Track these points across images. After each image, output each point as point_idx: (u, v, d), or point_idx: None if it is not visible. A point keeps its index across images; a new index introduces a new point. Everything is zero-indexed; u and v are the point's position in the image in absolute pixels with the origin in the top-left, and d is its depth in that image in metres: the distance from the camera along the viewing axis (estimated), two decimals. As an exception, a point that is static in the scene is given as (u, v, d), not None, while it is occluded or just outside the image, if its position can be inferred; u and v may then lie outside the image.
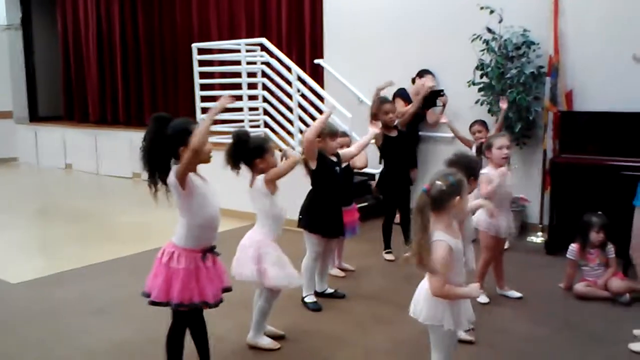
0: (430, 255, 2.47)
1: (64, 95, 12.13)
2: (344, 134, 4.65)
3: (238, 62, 7.17)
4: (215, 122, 7.96)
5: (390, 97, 6.04)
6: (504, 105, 5.25)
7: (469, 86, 5.83)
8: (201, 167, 2.88)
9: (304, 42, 8.29)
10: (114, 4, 10.68)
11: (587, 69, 5.45)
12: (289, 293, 3.71)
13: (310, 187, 4.11)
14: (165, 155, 2.79)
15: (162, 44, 10.33)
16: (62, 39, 11.85)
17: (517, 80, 5.48)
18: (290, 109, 6.69)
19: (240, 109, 7.24)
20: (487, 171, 3.89)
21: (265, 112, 7.15)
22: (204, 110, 7.55)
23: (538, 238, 5.56)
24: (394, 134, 5.08)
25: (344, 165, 4.27)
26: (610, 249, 4.22)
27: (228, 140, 3.41)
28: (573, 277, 4.31)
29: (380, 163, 5.37)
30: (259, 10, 8.81)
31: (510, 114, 5.54)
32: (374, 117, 4.91)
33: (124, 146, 9.38)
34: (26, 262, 5.37)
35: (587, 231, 4.22)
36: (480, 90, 5.76)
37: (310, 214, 4.06)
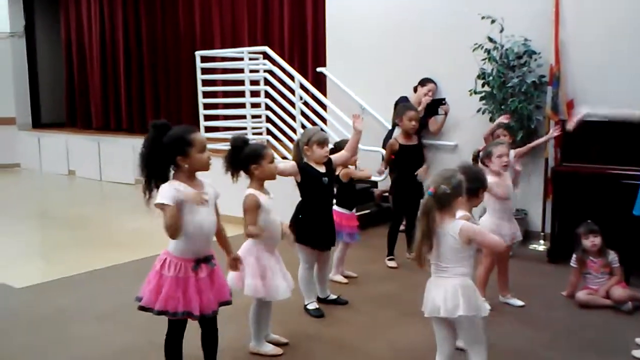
0: (477, 238, 2.70)
1: (67, 102, 12.18)
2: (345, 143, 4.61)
3: (241, 70, 7.22)
4: (218, 129, 8.08)
5: (392, 105, 6.10)
6: (506, 119, 5.16)
7: (471, 95, 5.86)
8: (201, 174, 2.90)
9: (306, 50, 8.33)
10: (117, 11, 10.74)
11: (588, 78, 5.47)
12: (291, 301, 3.73)
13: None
14: (162, 163, 2.79)
15: (165, 52, 10.38)
16: (65, 46, 11.91)
17: (519, 89, 5.51)
18: (292, 117, 6.73)
19: (243, 117, 7.28)
20: (490, 179, 3.89)
21: (268, 120, 7.19)
22: (207, 118, 7.60)
23: (540, 246, 5.57)
24: (413, 142, 5.10)
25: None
26: (614, 257, 4.23)
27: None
28: (576, 285, 4.32)
29: (385, 169, 5.39)
30: (262, 18, 8.86)
31: (512, 123, 5.55)
32: (395, 124, 4.97)
33: (126, 153, 9.41)
34: (30, 267, 5.39)
35: (579, 240, 4.28)
36: (481, 99, 5.79)
37: (299, 225, 3.97)
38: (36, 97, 12.19)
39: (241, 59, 7.22)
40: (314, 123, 6.52)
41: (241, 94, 7.24)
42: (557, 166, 5.27)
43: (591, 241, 4.21)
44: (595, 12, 5.42)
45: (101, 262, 5.34)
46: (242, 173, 3.34)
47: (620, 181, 4.65)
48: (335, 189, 4.38)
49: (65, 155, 10.80)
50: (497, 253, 4.02)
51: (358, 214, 5.50)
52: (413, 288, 4.59)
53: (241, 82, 7.23)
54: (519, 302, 4.17)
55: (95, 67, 11.27)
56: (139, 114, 10.80)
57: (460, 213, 3.04)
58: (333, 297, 4.32)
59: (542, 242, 5.61)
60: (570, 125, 4.17)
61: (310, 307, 4.10)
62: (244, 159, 3.28)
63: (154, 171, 2.79)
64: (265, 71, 7.13)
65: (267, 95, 7.11)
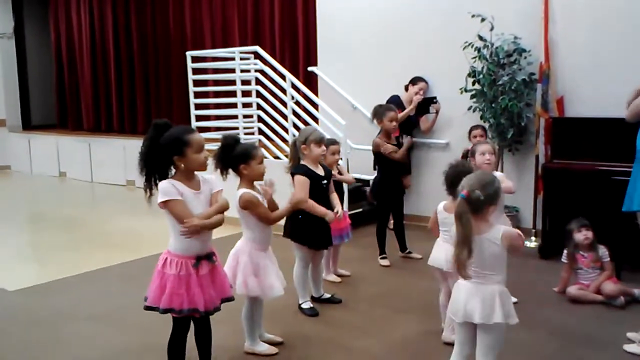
0: (517, 242, 2.65)
1: (57, 104, 12.14)
2: (334, 142, 4.64)
3: (232, 70, 7.21)
4: (210, 129, 8.06)
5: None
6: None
7: (461, 93, 5.88)
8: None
9: (297, 49, 8.34)
10: (107, 11, 10.71)
11: (578, 76, 5.51)
12: (285, 300, 3.74)
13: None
14: (162, 163, 2.82)
15: (155, 52, 10.37)
16: (55, 47, 11.87)
17: (509, 87, 5.54)
18: (284, 116, 6.74)
19: (234, 117, 7.28)
20: None
21: (260, 120, 7.19)
22: (198, 118, 7.60)
23: (532, 242, 5.61)
24: (392, 142, 5.12)
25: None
26: (605, 252, 4.27)
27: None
28: (567, 280, 4.36)
29: (374, 169, 5.42)
30: (252, 18, 8.87)
31: (502, 120, 5.60)
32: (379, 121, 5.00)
33: (117, 154, 9.39)
34: (22, 269, 5.37)
35: (570, 235, 4.31)
36: (472, 97, 5.81)
37: (296, 225, 4.01)
38: (26, 98, 12.14)
39: (232, 59, 7.21)
40: (305, 122, 6.53)
41: (232, 93, 7.24)
42: (548, 163, 5.31)
43: (584, 234, 4.25)
44: (584, 9, 5.45)
45: (94, 263, 5.33)
46: (231, 172, 3.35)
47: (610, 177, 4.69)
48: None
49: (56, 156, 10.76)
50: None
51: (350, 212, 5.53)
52: (406, 286, 4.64)
53: (232, 82, 7.23)
54: (512, 299, 4.18)
55: (85, 67, 11.24)
56: (130, 114, 10.78)
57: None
58: (327, 296, 4.33)
59: (533, 238, 5.64)
60: None
61: (304, 306, 4.11)
62: (234, 158, 3.29)
63: (153, 170, 2.82)
64: (256, 71, 7.13)
65: (259, 95, 7.11)
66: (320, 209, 3.91)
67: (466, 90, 5.85)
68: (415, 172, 6.38)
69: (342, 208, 4.34)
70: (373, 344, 3.64)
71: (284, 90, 6.68)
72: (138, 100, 10.64)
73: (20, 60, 11.94)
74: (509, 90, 5.54)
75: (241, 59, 7.19)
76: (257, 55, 7.07)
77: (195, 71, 7.59)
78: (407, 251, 5.36)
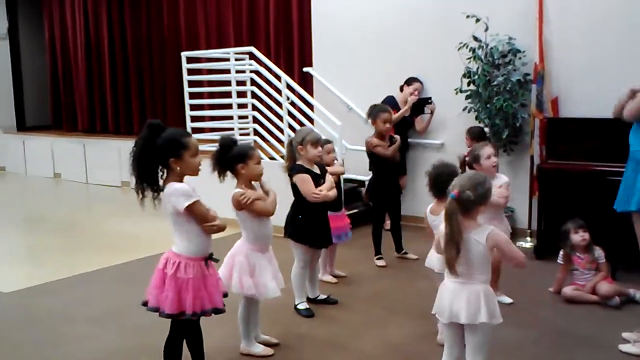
0: (503, 247, 2.67)
1: (51, 105, 12.09)
2: (328, 141, 4.61)
3: (227, 71, 7.21)
4: (205, 130, 8.04)
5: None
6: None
7: (457, 94, 5.89)
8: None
9: (292, 50, 8.34)
10: (102, 12, 10.68)
11: (572, 77, 5.53)
12: (281, 301, 3.74)
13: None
14: (154, 164, 2.81)
15: (150, 53, 10.34)
16: (49, 48, 11.83)
17: (504, 88, 5.55)
18: (279, 117, 6.74)
19: (229, 117, 7.27)
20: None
21: (255, 120, 7.18)
22: (193, 119, 7.58)
23: (527, 243, 5.62)
24: (386, 142, 5.13)
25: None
26: (601, 254, 4.28)
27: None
28: (563, 281, 4.37)
29: (370, 170, 5.41)
30: (247, 19, 8.86)
31: (497, 121, 5.61)
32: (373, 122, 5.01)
33: (112, 155, 9.35)
34: (17, 271, 5.34)
35: (567, 235, 4.31)
36: (467, 97, 5.82)
37: (295, 224, 4.02)
38: (20, 99, 12.09)
39: (227, 60, 7.21)
40: (301, 123, 6.53)
41: (228, 94, 7.23)
42: (543, 163, 5.32)
43: (581, 235, 4.26)
44: (579, 10, 5.47)
45: (89, 265, 5.31)
46: (228, 174, 3.34)
47: (605, 178, 4.70)
48: None
49: (51, 158, 10.71)
50: None
51: (346, 213, 5.52)
52: (402, 286, 4.65)
53: (227, 83, 7.23)
54: (508, 300, 4.20)
55: (80, 68, 11.20)
56: (125, 115, 10.76)
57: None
58: (323, 296, 4.33)
59: (528, 239, 5.65)
60: None
61: (300, 307, 4.11)
62: (231, 158, 3.28)
63: (145, 171, 2.80)
64: (251, 72, 7.13)
65: (254, 95, 7.11)
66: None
67: (461, 91, 5.86)
68: (410, 173, 6.38)
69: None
70: (369, 344, 3.64)
71: (279, 91, 6.68)
72: (133, 101, 10.62)
73: (15, 61, 11.88)
74: (503, 91, 5.56)
75: (236, 59, 7.19)
76: (252, 56, 7.06)
77: (190, 72, 7.58)
78: (403, 252, 5.36)
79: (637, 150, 3.70)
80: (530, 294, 4.39)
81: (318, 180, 4.01)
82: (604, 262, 4.28)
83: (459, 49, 5.76)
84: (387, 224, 5.64)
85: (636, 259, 4.07)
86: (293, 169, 3.98)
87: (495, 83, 5.59)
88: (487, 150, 3.92)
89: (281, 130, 6.72)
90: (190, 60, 7.60)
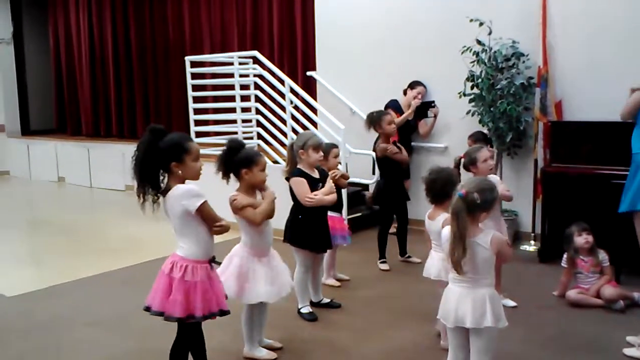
0: (504, 249, 2.72)
1: (56, 109, 12.14)
2: (335, 145, 4.62)
3: (231, 75, 7.21)
4: (209, 134, 8.04)
5: (382, 108, 6.11)
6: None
7: (460, 97, 5.89)
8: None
9: (296, 54, 8.35)
10: (106, 17, 10.72)
11: (576, 80, 5.52)
12: (284, 305, 3.73)
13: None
14: (156, 168, 2.81)
15: (154, 57, 10.37)
16: (54, 53, 11.88)
17: (507, 91, 5.55)
18: (283, 121, 6.74)
19: (233, 121, 7.28)
20: None
21: (259, 124, 7.19)
22: (197, 123, 7.59)
23: (531, 247, 5.61)
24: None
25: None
26: (605, 257, 4.27)
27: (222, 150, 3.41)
28: (567, 284, 4.35)
29: (373, 174, 5.41)
30: (251, 23, 8.88)
31: (501, 124, 5.60)
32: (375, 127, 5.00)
33: (116, 159, 9.38)
34: (20, 275, 5.35)
35: (571, 238, 4.30)
36: (471, 101, 5.82)
37: (295, 229, 4.01)
38: (25, 103, 12.14)
39: (231, 64, 7.22)
40: (304, 127, 6.53)
41: (231, 98, 7.24)
42: (547, 167, 5.31)
43: (584, 238, 4.24)
44: (582, 14, 5.47)
45: (92, 269, 5.32)
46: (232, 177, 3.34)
47: (609, 181, 4.69)
48: None
49: (55, 162, 10.75)
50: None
51: (350, 217, 5.53)
52: (406, 290, 4.64)
53: (231, 87, 7.23)
54: (512, 303, 4.19)
55: (84, 73, 11.24)
56: (129, 120, 10.78)
57: (443, 216, 3.19)
58: (326, 300, 4.33)
59: (532, 242, 5.64)
60: None
61: (304, 311, 4.11)
62: (237, 162, 3.27)
63: (147, 175, 2.80)
64: (255, 75, 7.14)
65: (258, 99, 7.11)
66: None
67: (465, 95, 5.86)
68: (414, 177, 6.37)
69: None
70: (372, 348, 3.63)
71: (282, 95, 6.68)
72: (137, 105, 10.64)
73: (19, 66, 11.94)
74: (507, 94, 5.55)
75: (240, 63, 7.20)
76: (256, 60, 7.07)
77: (194, 76, 7.59)
78: (407, 255, 5.35)
79: (638, 153, 3.70)
80: (534, 298, 4.37)
81: (316, 184, 3.99)
82: (608, 266, 4.27)
83: (462, 53, 5.77)
84: (393, 227, 5.63)
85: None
86: (292, 173, 3.98)
87: (498, 87, 5.58)
88: (483, 153, 3.90)
89: (284, 134, 6.73)
90: (194, 64, 7.61)
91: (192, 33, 9.69)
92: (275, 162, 6.64)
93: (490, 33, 5.68)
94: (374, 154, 5.32)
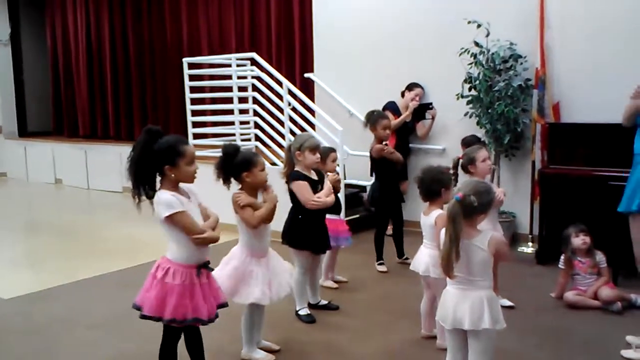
0: (503, 248, 2.72)
1: (53, 110, 12.13)
2: (332, 150, 4.57)
3: (229, 77, 7.22)
4: (207, 136, 8.04)
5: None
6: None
7: (458, 99, 5.89)
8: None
9: (294, 56, 8.35)
10: (104, 18, 10.72)
11: (574, 82, 5.53)
12: (283, 307, 3.73)
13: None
14: (151, 170, 2.81)
15: (152, 59, 10.36)
16: (51, 54, 11.87)
17: (505, 93, 5.55)
18: (281, 123, 6.74)
19: (231, 123, 7.28)
20: None
21: (257, 126, 7.19)
22: (195, 125, 7.59)
23: (528, 248, 5.61)
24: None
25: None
26: (602, 258, 4.28)
27: (219, 154, 3.41)
28: (564, 286, 4.36)
29: (371, 175, 5.41)
30: (249, 25, 8.88)
31: (498, 126, 5.61)
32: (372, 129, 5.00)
33: (114, 161, 9.36)
34: (18, 277, 5.34)
35: (568, 240, 4.31)
36: (468, 102, 5.82)
37: (294, 231, 4.01)
38: (22, 105, 12.12)
39: (229, 66, 7.22)
40: (302, 129, 6.54)
41: (229, 100, 7.24)
42: (544, 168, 5.32)
43: (582, 239, 4.25)
44: (580, 15, 5.48)
45: (90, 271, 5.31)
46: (233, 181, 3.34)
47: (606, 182, 4.71)
48: None
49: (52, 163, 10.73)
50: None
51: (347, 218, 5.52)
52: (404, 292, 4.63)
53: (229, 89, 7.24)
54: (509, 303, 4.19)
55: (81, 74, 11.23)
56: (126, 121, 10.77)
57: (437, 212, 3.29)
58: (324, 302, 4.33)
59: (530, 244, 5.65)
60: None
61: (301, 312, 4.10)
62: (236, 166, 3.28)
63: (142, 176, 2.80)
64: (253, 77, 7.14)
65: (255, 101, 7.12)
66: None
67: (462, 96, 5.86)
68: (411, 178, 6.37)
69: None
70: (370, 350, 3.63)
71: (280, 97, 6.69)
72: (134, 107, 10.63)
73: (17, 67, 11.92)
74: (505, 96, 5.56)
75: (238, 65, 7.20)
76: (254, 62, 7.07)
77: (192, 78, 7.59)
78: (404, 257, 5.35)
79: (638, 154, 3.72)
80: (532, 299, 4.38)
81: (315, 186, 3.99)
82: (605, 267, 4.28)
83: (460, 55, 5.77)
84: (389, 229, 5.64)
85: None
86: (291, 176, 3.98)
87: (496, 88, 5.59)
88: (482, 153, 3.91)
89: (282, 136, 6.73)
90: (191, 66, 7.61)
91: (189, 35, 9.69)
92: (273, 163, 6.64)
93: (487, 35, 5.69)
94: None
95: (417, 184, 3.50)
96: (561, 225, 4.50)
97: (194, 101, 7.64)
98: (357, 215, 6.35)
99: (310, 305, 4.21)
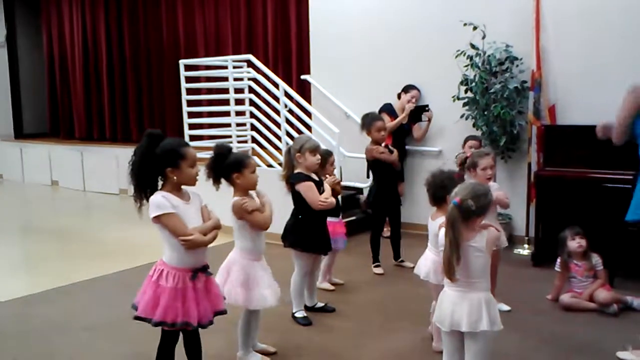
0: (493, 243, 2.75)
1: (49, 112, 12.11)
2: (329, 153, 4.50)
3: (225, 79, 7.21)
4: (203, 137, 8.03)
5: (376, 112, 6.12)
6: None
7: (454, 101, 5.90)
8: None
9: (290, 58, 8.36)
10: (100, 20, 10.71)
11: (570, 84, 5.55)
12: (279, 310, 3.73)
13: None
14: (153, 173, 2.82)
15: (148, 60, 10.36)
16: (47, 56, 11.85)
17: (501, 95, 5.57)
18: (277, 125, 6.74)
19: (227, 125, 7.28)
20: None
21: (253, 128, 7.19)
22: (191, 127, 7.59)
23: (524, 250, 5.62)
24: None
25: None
26: (598, 261, 4.28)
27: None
28: (560, 288, 4.37)
29: (367, 177, 5.41)
30: (245, 27, 8.88)
31: (494, 128, 5.62)
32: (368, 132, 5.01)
33: (110, 163, 9.36)
34: (14, 280, 5.33)
35: (564, 242, 4.32)
36: (464, 105, 5.84)
37: (297, 232, 4.01)
38: (18, 107, 12.11)
39: (225, 67, 7.21)
40: (299, 131, 6.53)
41: (226, 102, 7.23)
42: (540, 170, 5.33)
43: (577, 242, 4.26)
44: (576, 18, 5.49)
45: (86, 273, 5.30)
46: (223, 182, 3.33)
47: (602, 185, 4.72)
48: None
49: (48, 165, 10.71)
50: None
51: (344, 220, 5.52)
52: (400, 294, 4.64)
53: (225, 90, 7.23)
54: (506, 307, 4.19)
55: (77, 76, 11.22)
56: (123, 123, 10.77)
57: (442, 218, 3.15)
58: (320, 304, 4.32)
59: (526, 246, 5.66)
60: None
61: (298, 315, 4.10)
62: (227, 167, 3.27)
63: (144, 180, 2.81)
64: (249, 79, 7.14)
65: (252, 103, 7.12)
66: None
67: (459, 98, 5.87)
68: (408, 180, 6.39)
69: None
70: (366, 353, 3.63)
71: (277, 99, 6.69)
72: (130, 108, 10.63)
73: (13, 69, 11.91)
74: (501, 98, 5.57)
75: (234, 67, 7.19)
76: (250, 64, 7.08)
77: (188, 79, 7.59)
78: (400, 260, 5.35)
79: None
80: (528, 302, 4.38)
81: (318, 187, 4.01)
82: (601, 269, 4.28)
83: (456, 57, 5.78)
84: (386, 231, 5.64)
85: (633, 266, 4.07)
86: (294, 177, 3.97)
87: (492, 90, 5.60)
88: (485, 161, 3.91)
89: (279, 138, 6.73)
90: (188, 67, 7.61)
91: (186, 36, 9.69)
92: (270, 165, 6.65)
93: (484, 37, 5.70)
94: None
95: (426, 187, 3.51)
96: (557, 227, 4.51)
97: (191, 103, 7.64)
98: (353, 217, 6.34)
99: (306, 308, 4.21)
